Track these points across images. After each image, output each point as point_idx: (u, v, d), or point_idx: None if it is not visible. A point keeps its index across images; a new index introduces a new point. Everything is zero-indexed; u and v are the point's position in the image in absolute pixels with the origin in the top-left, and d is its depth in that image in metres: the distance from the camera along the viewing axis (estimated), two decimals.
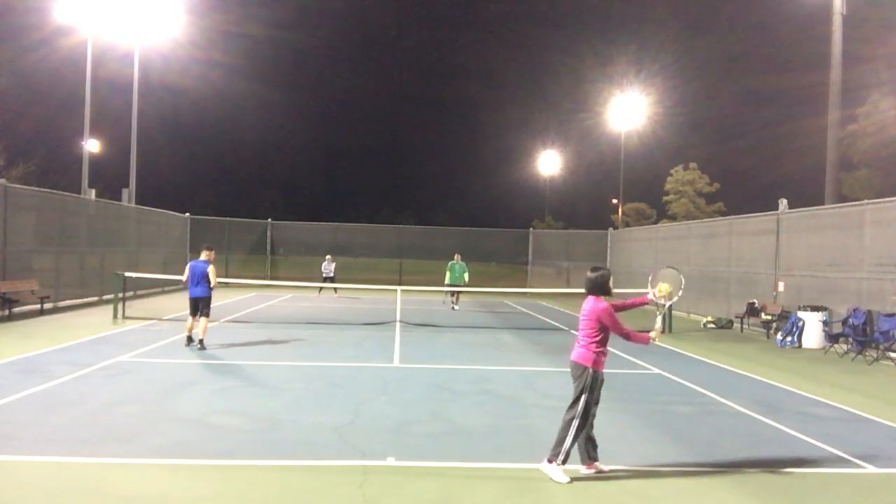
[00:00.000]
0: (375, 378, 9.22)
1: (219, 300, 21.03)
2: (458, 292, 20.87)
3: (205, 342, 11.20)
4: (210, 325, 11.85)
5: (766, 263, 16.94)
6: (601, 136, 46.83)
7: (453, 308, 20.57)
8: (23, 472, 5.11)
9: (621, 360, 11.41)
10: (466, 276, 20.40)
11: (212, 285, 11.36)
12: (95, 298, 19.13)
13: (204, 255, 11.53)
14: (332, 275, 24.37)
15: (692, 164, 44.10)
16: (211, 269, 11.37)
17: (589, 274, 5.53)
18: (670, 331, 15.84)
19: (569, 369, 5.53)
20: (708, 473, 5.57)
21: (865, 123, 32.74)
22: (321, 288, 24.07)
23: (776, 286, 16.30)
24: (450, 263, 20.46)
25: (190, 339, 11.43)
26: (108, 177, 45.73)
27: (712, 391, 8.99)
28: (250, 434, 6.32)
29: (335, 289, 24.22)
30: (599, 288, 5.45)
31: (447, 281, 20.47)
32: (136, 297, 20.56)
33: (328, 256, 25.02)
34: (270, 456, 5.66)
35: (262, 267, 31.24)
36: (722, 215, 36.67)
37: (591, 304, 5.41)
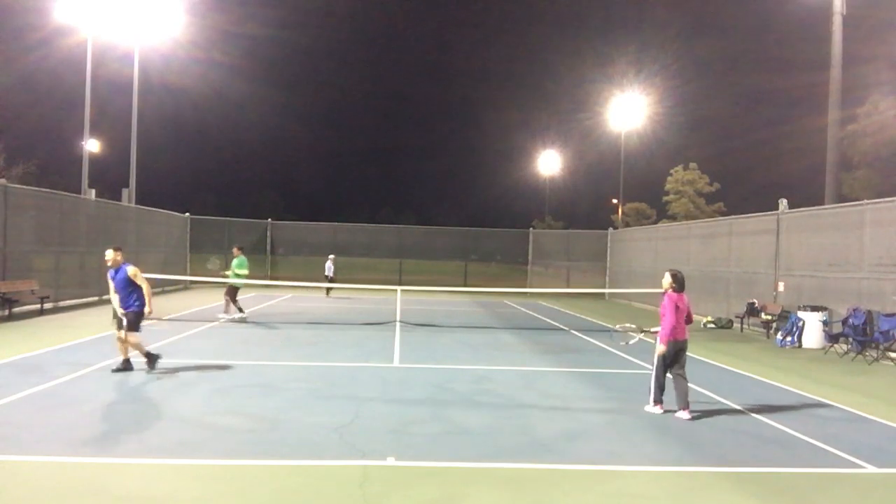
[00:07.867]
0: (375, 378, 9.22)
1: (219, 300, 21.03)
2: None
3: (131, 361, 9.16)
4: (209, 325, 11.72)
5: (766, 263, 16.94)
6: (601, 136, 46.84)
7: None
8: (23, 472, 5.10)
9: (621, 360, 11.41)
10: None
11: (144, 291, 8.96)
12: (95, 298, 19.11)
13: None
14: (331, 275, 24.33)
15: (692, 164, 44.09)
16: (131, 271, 8.89)
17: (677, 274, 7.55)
18: None
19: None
20: (708, 473, 5.57)
21: (865, 123, 32.74)
22: (328, 289, 24.16)
23: (776, 286, 16.29)
24: None
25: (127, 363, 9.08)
26: (108, 177, 45.83)
27: (712, 391, 8.99)
28: (250, 434, 6.32)
29: (328, 289, 24.24)
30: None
31: None
32: None
33: (331, 256, 24.96)
34: (270, 456, 5.66)
35: (263, 267, 31.21)
36: (722, 215, 36.67)
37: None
